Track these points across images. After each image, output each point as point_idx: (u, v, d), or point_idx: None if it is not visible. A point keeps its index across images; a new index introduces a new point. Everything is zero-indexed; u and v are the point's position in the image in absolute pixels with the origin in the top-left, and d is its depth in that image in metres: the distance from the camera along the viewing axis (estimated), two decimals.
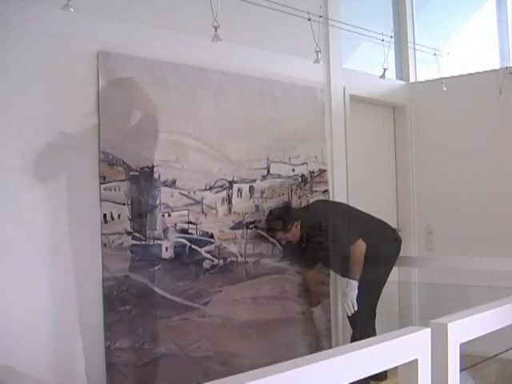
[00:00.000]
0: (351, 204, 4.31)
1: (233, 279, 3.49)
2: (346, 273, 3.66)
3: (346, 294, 3.61)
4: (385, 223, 3.91)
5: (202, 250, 3.35)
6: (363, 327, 3.57)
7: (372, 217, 3.85)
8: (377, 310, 3.84)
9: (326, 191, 4.11)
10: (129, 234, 3.03)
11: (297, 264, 3.85)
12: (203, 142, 3.38)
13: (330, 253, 3.72)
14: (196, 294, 3.30)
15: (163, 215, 3.18)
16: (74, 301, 2.80)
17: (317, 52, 3.49)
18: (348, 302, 3.58)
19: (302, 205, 3.93)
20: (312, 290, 3.92)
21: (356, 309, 3.58)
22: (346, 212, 3.81)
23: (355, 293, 3.57)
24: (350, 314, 3.62)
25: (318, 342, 3.99)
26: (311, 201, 3.98)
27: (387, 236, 3.83)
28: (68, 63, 2.84)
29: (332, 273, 4.10)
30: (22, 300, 2.63)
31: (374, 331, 3.69)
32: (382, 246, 3.71)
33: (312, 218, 3.70)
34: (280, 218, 3.62)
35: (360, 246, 3.59)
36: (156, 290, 3.11)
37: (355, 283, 3.58)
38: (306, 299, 3.91)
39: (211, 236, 3.39)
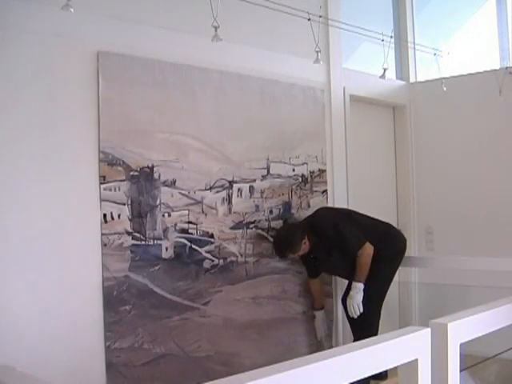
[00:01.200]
0: (351, 205, 4.32)
1: (233, 279, 3.49)
2: (352, 276, 3.63)
3: (351, 296, 3.58)
4: (388, 224, 3.90)
5: (202, 250, 3.35)
6: (369, 329, 3.52)
7: (374, 219, 3.82)
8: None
9: (325, 191, 4.11)
10: (129, 233, 3.03)
11: (297, 264, 3.85)
12: (203, 142, 3.38)
13: (334, 260, 3.69)
14: (196, 294, 3.30)
15: (163, 215, 3.18)
16: (74, 301, 2.80)
17: (317, 52, 3.49)
18: (354, 304, 3.56)
19: (303, 205, 3.93)
20: (316, 295, 3.89)
21: (362, 311, 3.56)
22: (350, 217, 3.76)
23: (361, 295, 3.56)
24: (355, 317, 3.59)
25: (318, 341, 3.99)
26: (311, 201, 3.98)
27: (391, 237, 3.81)
28: (68, 63, 2.84)
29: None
30: (21, 300, 2.63)
31: (377, 333, 3.66)
32: (387, 247, 3.68)
33: (318, 229, 3.63)
34: (289, 239, 3.56)
35: (368, 249, 3.56)
36: (156, 289, 3.11)
37: (361, 286, 3.56)
38: (310, 302, 3.91)
39: (211, 236, 3.39)
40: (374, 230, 3.70)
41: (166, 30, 3.23)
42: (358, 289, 3.57)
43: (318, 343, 3.93)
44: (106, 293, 2.92)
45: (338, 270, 3.84)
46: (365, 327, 3.57)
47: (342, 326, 4.15)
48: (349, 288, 3.69)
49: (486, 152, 4.62)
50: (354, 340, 3.66)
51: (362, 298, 3.56)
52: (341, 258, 3.66)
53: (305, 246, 3.57)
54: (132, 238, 3.04)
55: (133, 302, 3.01)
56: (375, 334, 3.54)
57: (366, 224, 3.73)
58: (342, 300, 3.84)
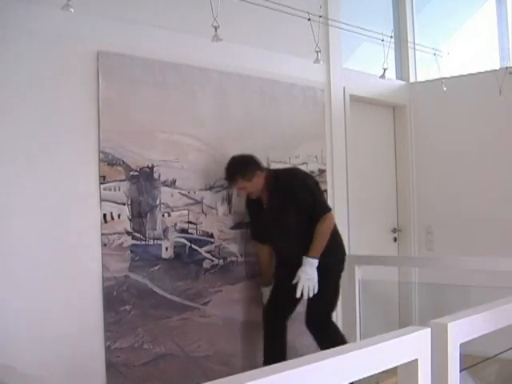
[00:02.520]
0: (351, 205, 4.32)
1: (233, 279, 3.49)
2: (305, 249, 3.21)
3: (306, 272, 3.16)
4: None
5: (202, 250, 3.34)
6: (326, 324, 3.23)
7: None
8: (374, 310, 3.78)
9: (325, 191, 4.11)
10: (129, 233, 3.03)
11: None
12: (203, 142, 3.38)
13: (287, 222, 3.28)
14: (196, 294, 3.30)
15: (163, 215, 3.18)
16: (74, 301, 2.80)
17: (317, 52, 3.49)
18: (309, 282, 3.17)
19: None
20: (265, 265, 3.50)
21: (316, 292, 3.19)
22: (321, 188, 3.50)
23: (316, 274, 3.17)
24: (306, 297, 3.19)
25: None
26: None
27: (338, 244, 3.44)
28: (68, 63, 2.84)
29: None
30: (22, 300, 2.63)
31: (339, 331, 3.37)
32: (331, 254, 3.31)
33: (283, 180, 3.28)
34: (243, 163, 3.26)
35: (331, 219, 3.25)
36: (156, 289, 3.12)
37: (315, 262, 3.18)
38: (258, 278, 3.54)
39: (211, 236, 3.39)
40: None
41: (166, 30, 3.23)
42: (313, 265, 3.17)
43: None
44: (106, 293, 2.92)
45: (285, 237, 3.33)
46: (323, 323, 3.28)
47: (342, 326, 4.15)
48: (276, 289, 3.37)
49: (486, 152, 4.62)
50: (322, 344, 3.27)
51: (317, 279, 3.18)
52: (294, 223, 3.25)
53: (257, 181, 3.23)
54: (132, 238, 3.04)
55: (133, 301, 3.01)
56: (339, 333, 3.33)
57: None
58: (265, 310, 3.45)
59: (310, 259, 3.19)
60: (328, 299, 3.35)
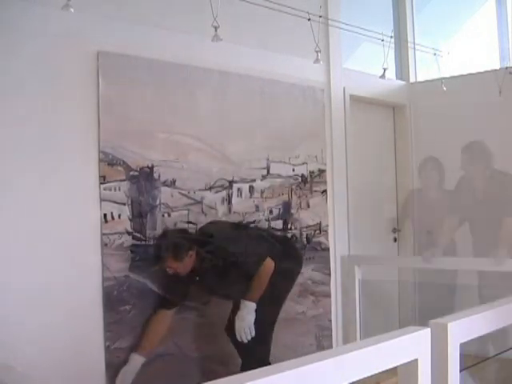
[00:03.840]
0: (351, 205, 4.32)
1: None
2: (243, 294, 3.10)
3: (241, 317, 3.04)
4: (284, 237, 3.66)
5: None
6: (263, 350, 3.15)
7: (268, 232, 3.59)
8: (374, 310, 3.77)
9: (325, 191, 4.11)
10: (129, 233, 3.03)
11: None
12: (203, 142, 3.38)
13: (227, 280, 3.15)
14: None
15: (163, 215, 3.18)
16: (74, 301, 2.80)
17: (317, 52, 3.49)
18: (245, 327, 3.03)
19: (302, 205, 3.90)
20: (157, 333, 3.07)
21: (253, 335, 3.05)
22: (244, 231, 3.37)
23: (253, 317, 3.05)
24: (245, 341, 3.05)
25: (318, 341, 3.99)
26: (311, 201, 3.97)
27: (288, 252, 3.40)
28: (68, 63, 2.84)
29: (332, 272, 4.10)
30: (22, 300, 2.63)
31: (268, 355, 3.22)
32: (284, 262, 3.23)
33: (210, 245, 3.11)
34: (174, 244, 3.00)
35: (268, 266, 3.10)
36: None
37: (253, 305, 3.06)
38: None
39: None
40: (270, 245, 3.29)
41: (166, 30, 3.23)
42: (250, 309, 3.04)
43: None
44: (106, 293, 2.92)
45: (230, 290, 3.23)
46: (257, 349, 3.11)
47: (342, 326, 4.15)
48: (236, 310, 3.15)
49: None
50: (243, 367, 3.13)
51: (253, 320, 3.05)
52: (236, 277, 3.14)
53: (189, 261, 3.01)
54: (132, 238, 3.04)
55: (133, 302, 3.01)
56: (268, 353, 3.20)
57: (261, 238, 3.34)
58: (227, 328, 3.25)
59: (247, 302, 3.07)
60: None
